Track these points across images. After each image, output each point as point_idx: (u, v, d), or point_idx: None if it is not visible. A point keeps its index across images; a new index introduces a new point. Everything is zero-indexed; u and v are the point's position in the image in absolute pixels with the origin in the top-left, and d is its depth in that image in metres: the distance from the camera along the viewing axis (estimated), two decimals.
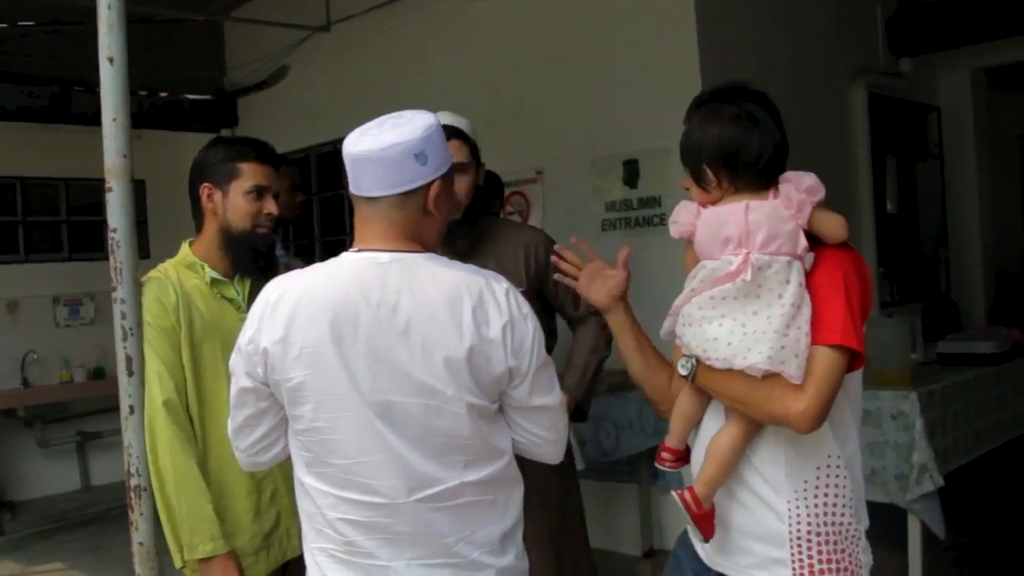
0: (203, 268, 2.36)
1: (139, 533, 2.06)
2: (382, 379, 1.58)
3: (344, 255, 1.68)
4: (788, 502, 1.71)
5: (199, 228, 2.43)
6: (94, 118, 6.30)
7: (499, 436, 1.69)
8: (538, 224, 4.76)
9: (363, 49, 5.91)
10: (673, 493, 1.74)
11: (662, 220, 4.32)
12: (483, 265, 1.78)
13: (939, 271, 6.43)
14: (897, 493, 3.76)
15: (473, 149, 2.69)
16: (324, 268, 1.68)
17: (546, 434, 1.73)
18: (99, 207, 7.29)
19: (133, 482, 2.05)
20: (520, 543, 1.76)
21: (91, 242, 7.36)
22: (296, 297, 1.62)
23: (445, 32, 5.42)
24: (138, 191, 2.16)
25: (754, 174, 1.70)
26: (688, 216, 1.76)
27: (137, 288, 2.13)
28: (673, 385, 1.89)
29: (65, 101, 6.36)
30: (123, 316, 2.06)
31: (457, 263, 1.69)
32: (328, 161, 6.35)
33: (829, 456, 1.72)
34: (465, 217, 2.65)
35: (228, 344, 2.28)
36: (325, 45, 6.16)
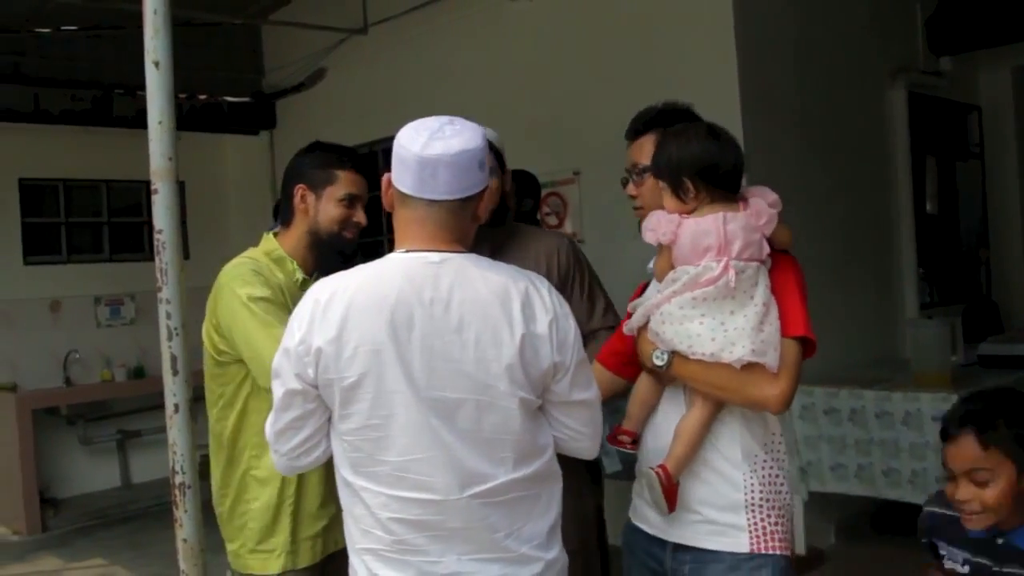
0: (293, 265, 2.40)
1: (184, 530, 2.08)
2: (437, 376, 1.62)
3: (391, 255, 1.71)
4: (743, 475, 1.95)
5: (286, 224, 2.45)
6: (135, 121, 6.43)
7: (542, 432, 1.74)
8: (575, 226, 4.77)
9: (400, 51, 5.94)
10: (649, 469, 1.95)
11: None
12: None
13: (979, 272, 6.34)
14: None
15: (498, 156, 2.73)
16: (372, 268, 1.70)
17: (584, 429, 1.78)
18: (140, 208, 7.44)
19: (178, 480, 2.08)
20: (560, 537, 1.79)
21: (132, 243, 7.48)
22: (348, 297, 1.64)
23: (482, 33, 5.44)
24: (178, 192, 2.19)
25: (727, 186, 1.93)
26: (669, 225, 1.94)
27: (182, 288, 2.15)
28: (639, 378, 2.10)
29: (107, 104, 6.47)
30: (168, 316, 2.09)
31: (500, 264, 1.74)
32: (367, 163, 6.38)
33: (773, 434, 2.00)
34: (490, 221, 2.69)
35: None
36: (362, 47, 6.20)
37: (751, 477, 1.95)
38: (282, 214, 2.47)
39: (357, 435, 1.66)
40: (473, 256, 1.71)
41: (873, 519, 4.57)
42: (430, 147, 1.65)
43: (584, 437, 1.80)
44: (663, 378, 2.01)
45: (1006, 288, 6.32)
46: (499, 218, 2.75)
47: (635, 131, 2.15)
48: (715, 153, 1.92)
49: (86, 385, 6.97)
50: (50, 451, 6.80)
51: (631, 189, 2.14)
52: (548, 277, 2.70)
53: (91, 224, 7.40)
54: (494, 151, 2.73)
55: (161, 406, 2.15)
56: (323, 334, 1.63)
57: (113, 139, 6.80)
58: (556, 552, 1.76)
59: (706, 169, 1.91)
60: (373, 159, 6.23)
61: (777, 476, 1.99)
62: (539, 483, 1.72)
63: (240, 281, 2.28)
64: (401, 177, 1.69)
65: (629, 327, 2.05)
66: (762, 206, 1.91)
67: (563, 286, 2.71)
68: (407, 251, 1.69)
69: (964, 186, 6.27)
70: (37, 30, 6.05)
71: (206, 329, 2.36)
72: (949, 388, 3.82)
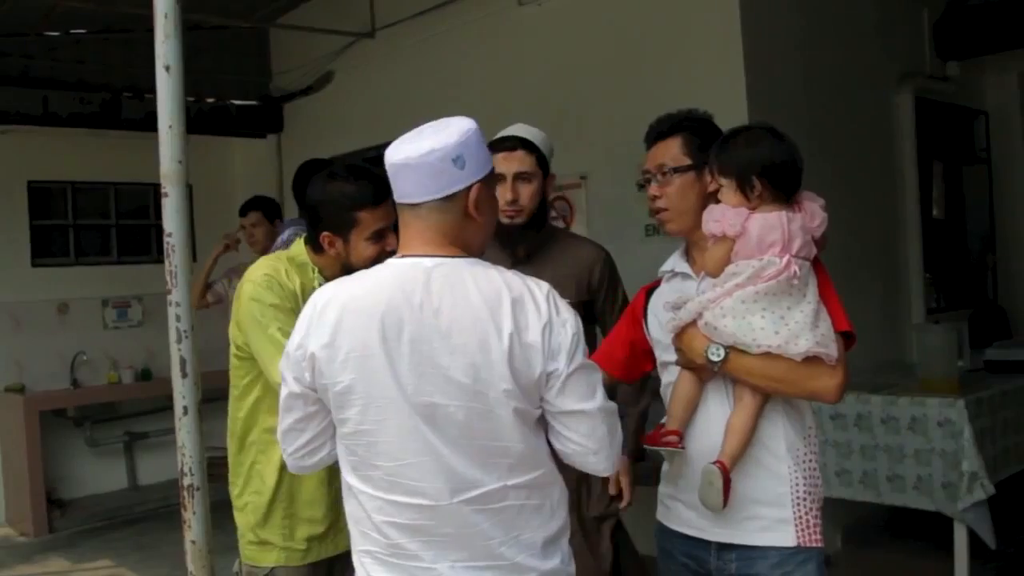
0: (314, 272, 2.43)
1: (192, 531, 2.10)
2: (426, 382, 1.61)
3: (389, 261, 1.72)
4: (788, 468, 1.98)
5: (317, 253, 2.46)
6: (143, 124, 6.43)
7: (542, 441, 1.71)
8: (582, 230, 4.77)
9: (408, 55, 5.96)
10: (711, 465, 1.94)
11: None
12: (539, 273, 1.84)
13: (986, 277, 6.33)
14: (945, 501, 3.72)
15: (540, 159, 2.74)
16: (371, 274, 1.71)
17: (586, 441, 1.68)
18: (147, 211, 7.47)
19: (186, 481, 2.10)
20: (567, 548, 1.76)
21: (139, 245, 7.51)
22: (342, 302, 1.66)
23: (489, 37, 5.45)
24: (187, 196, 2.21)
25: (787, 187, 1.99)
26: (737, 218, 1.97)
27: (190, 291, 2.17)
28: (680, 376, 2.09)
29: (115, 107, 6.49)
30: (178, 318, 2.11)
31: (500, 268, 1.71)
32: (376, 166, 6.39)
33: (810, 428, 2.05)
34: (530, 223, 2.70)
35: None
36: (370, 51, 6.22)
37: (795, 470, 1.98)
38: (311, 244, 2.46)
39: (351, 440, 1.68)
40: (470, 260, 1.69)
41: (883, 521, 4.57)
42: (398, 152, 1.68)
43: (588, 451, 1.69)
44: (706, 374, 2.02)
45: (1013, 293, 6.31)
46: (540, 221, 2.76)
47: (659, 133, 2.16)
48: (782, 154, 1.99)
49: (93, 387, 6.99)
50: (57, 452, 6.82)
51: (654, 190, 2.13)
52: (579, 285, 2.74)
53: (99, 226, 7.43)
54: (537, 154, 2.74)
55: (168, 408, 2.18)
56: (318, 339, 1.65)
57: (121, 142, 6.82)
58: (556, 563, 1.72)
59: (773, 169, 1.97)
60: (380, 163, 6.24)
61: (815, 469, 2.03)
62: (539, 491, 1.69)
63: (253, 286, 2.35)
64: (394, 190, 1.72)
65: (675, 323, 2.04)
66: (816, 209, 2.00)
67: (595, 297, 2.77)
68: (403, 256, 1.70)
69: (971, 191, 6.26)
70: (46, 33, 6.07)
71: (231, 323, 2.44)
72: (956, 393, 3.81)
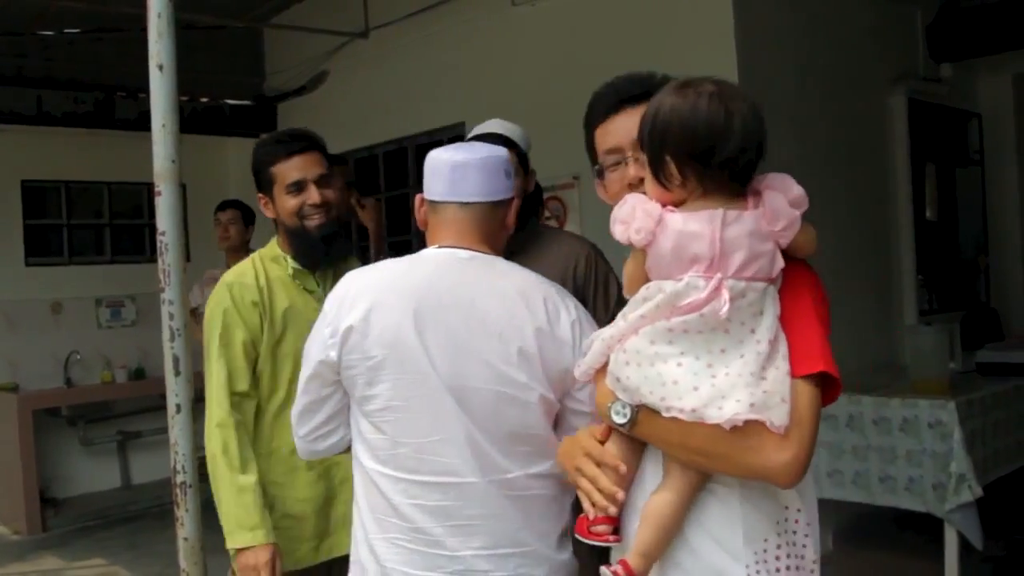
0: (286, 260, 2.49)
1: (185, 529, 2.10)
2: (460, 365, 1.67)
3: (423, 251, 1.79)
4: (747, 567, 1.39)
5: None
6: (136, 123, 6.44)
7: (560, 434, 1.74)
8: (576, 229, 4.78)
9: (401, 55, 5.96)
10: (604, 569, 1.43)
11: None
12: None
13: (979, 279, 6.35)
14: (934, 503, 3.74)
15: (521, 157, 2.70)
16: (403, 261, 1.79)
17: None
18: (141, 210, 7.46)
19: (179, 479, 2.10)
20: (571, 545, 1.79)
21: (133, 245, 7.51)
22: (379, 285, 1.73)
23: (483, 37, 5.46)
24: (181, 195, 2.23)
25: (734, 174, 1.37)
26: (647, 221, 1.39)
27: (184, 290, 2.17)
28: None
29: (109, 107, 6.49)
30: (171, 317, 2.11)
31: (528, 269, 1.81)
32: (367, 166, 6.40)
33: (787, 508, 1.43)
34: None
35: (307, 333, 2.41)
36: (364, 51, 6.22)
37: (758, 571, 1.40)
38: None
39: (380, 416, 1.71)
40: (501, 258, 1.80)
41: (874, 522, 4.58)
42: (459, 154, 1.78)
43: None
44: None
45: (1005, 295, 6.33)
46: (522, 219, 2.68)
47: (629, 99, 1.66)
48: (713, 126, 1.34)
49: (87, 386, 6.99)
50: (51, 451, 6.82)
51: (637, 170, 1.57)
52: (564, 285, 2.65)
53: (92, 226, 7.43)
54: (517, 150, 2.71)
55: (161, 408, 2.19)
56: (352, 316, 1.70)
57: (115, 141, 6.82)
58: (567, 556, 1.77)
59: (695, 147, 1.35)
60: (374, 162, 6.26)
61: (799, 569, 1.43)
62: (555, 483, 1.73)
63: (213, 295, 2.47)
64: (433, 187, 1.79)
65: (583, 368, 1.52)
66: (780, 205, 1.37)
67: (582, 290, 2.47)
68: (439, 247, 1.77)
69: (964, 193, 6.28)
70: (40, 32, 6.07)
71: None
72: (947, 395, 3.83)
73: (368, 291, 1.72)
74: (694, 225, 1.35)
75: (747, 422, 1.32)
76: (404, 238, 5.88)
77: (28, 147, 6.82)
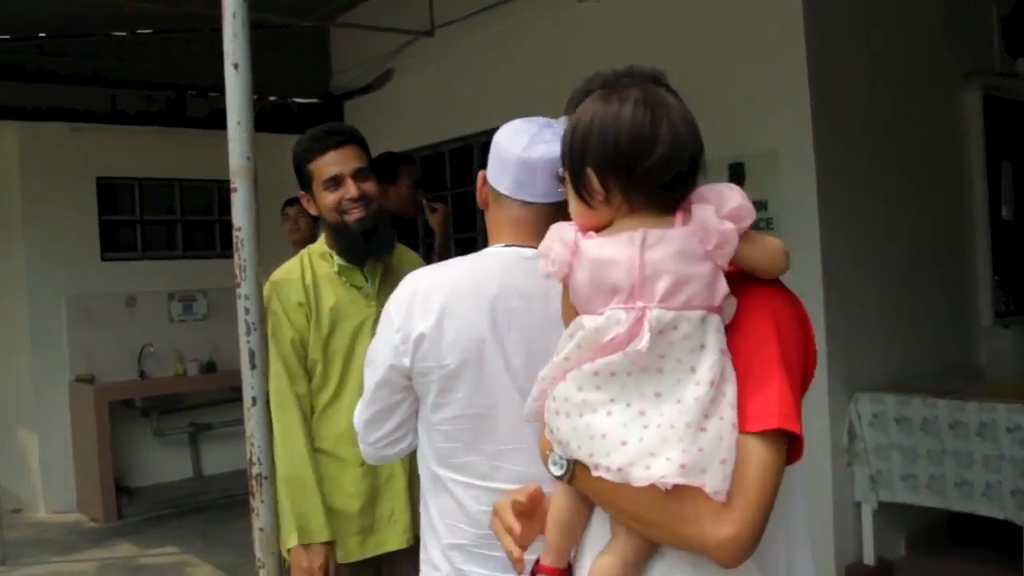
0: (332, 256, 2.49)
1: (260, 519, 2.13)
2: (535, 367, 1.61)
3: (488, 249, 1.74)
4: None
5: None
6: (207, 121, 6.54)
7: None
8: None
9: (467, 53, 5.98)
10: None
11: (768, 225, 4.27)
12: None
13: None
14: (1013, 509, 3.64)
15: None
16: (468, 261, 1.73)
17: None
18: (211, 207, 7.61)
19: (255, 471, 2.13)
20: None
21: (204, 240, 7.67)
22: (448, 286, 1.68)
23: (549, 34, 5.45)
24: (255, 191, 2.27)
25: (660, 188, 1.19)
26: (563, 251, 1.23)
27: (259, 284, 2.21)
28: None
29: (180, 105, 6.62)
30: (247, 311, 2.14)
31: None
32: (434, 164, 6.44)
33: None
34: None
35: (355, 330, 2.41)
36: (429, 49, 6.25)
37: None
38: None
39: (454, 424, 1.68)
40: None
41: (949, 528, 4.48)
42: (531, 149, 1.67)
43: None
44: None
45: None
46: None
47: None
48: (637, 133, 1.19)
49: (159, 378, 7.17)
50: (125, 441, 7.01)
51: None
52: None
53: (165, 222, 7.61)
54: None
55: (231, 400, 2.24)
56: (424, 322, 1.66)
57: (186, 139, 6.98)
58: None
59: (616, 155, 1.20)
60: (440, 160, 6.29)
61: None
62: None
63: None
64: (498, 177, 1.72)
65: (526, 410, 1.35)
66: (708, 219, 1.18)
67: None
68: (505, 246, 1.72)
69: None
70: (113, 33, 6.22)
71: None
72: None
73: (436, 294, 1.67)
74: (611, 250, 1.19)
75: (679, 486, 1.11)
76: (470, 235, 5.90)
77: (103, 145, 7.01)
